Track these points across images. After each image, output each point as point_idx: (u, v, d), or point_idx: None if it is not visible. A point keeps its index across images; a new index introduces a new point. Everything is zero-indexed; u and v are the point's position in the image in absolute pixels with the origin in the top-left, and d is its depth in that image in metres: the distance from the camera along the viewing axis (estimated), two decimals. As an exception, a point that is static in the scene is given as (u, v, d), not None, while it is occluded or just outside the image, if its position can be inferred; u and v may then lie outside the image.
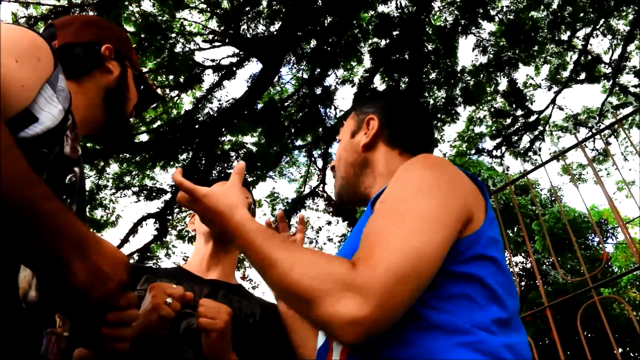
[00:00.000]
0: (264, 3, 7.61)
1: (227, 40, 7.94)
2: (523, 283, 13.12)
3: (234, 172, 1.00)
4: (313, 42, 8.15)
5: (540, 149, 9.76)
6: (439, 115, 8.42)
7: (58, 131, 0.83)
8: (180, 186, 0.92)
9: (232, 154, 8.18)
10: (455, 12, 7.86)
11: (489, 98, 9.64)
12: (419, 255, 0.69)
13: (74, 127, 0.90)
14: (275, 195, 11.15)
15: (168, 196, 8.26)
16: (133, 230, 8.37)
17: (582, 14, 7.93)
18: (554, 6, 7.90)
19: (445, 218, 0.75)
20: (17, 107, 0.74)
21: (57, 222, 0.65)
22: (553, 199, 12.95)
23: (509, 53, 8.10)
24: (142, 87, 1.18)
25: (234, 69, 8.28)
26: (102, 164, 8.38)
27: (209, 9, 8.19)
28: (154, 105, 1.37)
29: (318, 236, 11.69)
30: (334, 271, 0.68)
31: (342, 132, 1.21)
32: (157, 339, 1.13)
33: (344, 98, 14.62)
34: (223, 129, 7.89)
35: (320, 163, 9.79)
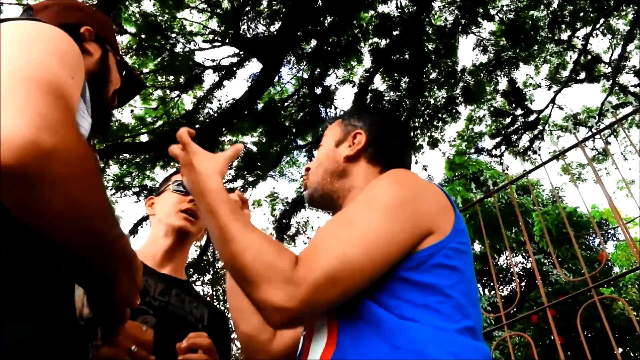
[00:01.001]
0: (264, 3, 7.61)
1: (227, 41, 7.94)
2: (524, 283, 13.13)
3: (232, 149, 1.04)
4: (313, 42, 8.16)
5: (540, 149, 9.77)
6: (439, 115, 8.42)
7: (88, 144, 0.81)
8: (180, 138, 0.98)
9: (233, 154, 8.18)
10: (456, 11, 7.86)
11: (489, 97, 9.64)
12: (352, 264, 0.78)
13: (94, 136, 0.91)
14: (276, 195, 11.14)
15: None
16: (133, 231, 8.38)
17: (582, 14, 7.92)
18: (554, 5, 7.91)
19: (390, 234, 0.81)
20: None
21: (120, 245, 0.69)
22: (554, 199, 12.95)
23: (509, 52, 8.10)
24: (124, 72, 1.12)
25: (234, 69, 8.29)
26: (102, 165, 8.39)
27: (209, 9, 8.20)
28: (137, 94, 1.31)
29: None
30: (279, 265, 0.77)
31: (326, 137, 1.23)
32: None
33: (344, 98, 14.65)
34: (223, 129, 7.89)
35: (320, 163, 9.77)
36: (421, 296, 0.81)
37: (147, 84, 8.58)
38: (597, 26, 8.61)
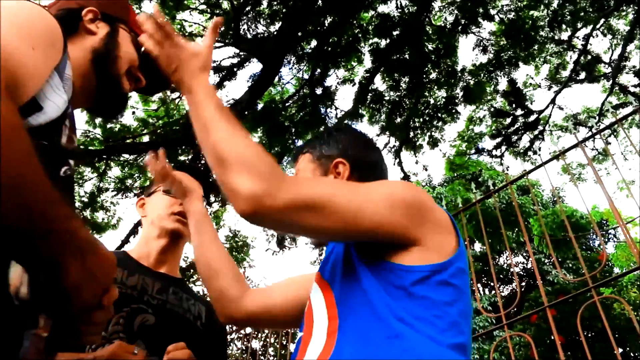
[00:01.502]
0: (264, 3, 7.62)
1: (227, 41, 7.95)
2: (524, 283, 13.13)
3: (211, 28, 1.01)
4: (313, 42, 8.16)
5: (540, 149, 9.77)
6: (439, 115, 8.43)
7: (59, 121, 0.80)
8: (164, 26, 0.94)
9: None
10: (456, 11, 7.87)
11: (489, 97, 9.65)
12: (335, 207, 0.81)
13: (72, 116, 0.87)
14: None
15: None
16: (133, 231, 8.38)
17: (582, 14, 7.93)
18: (554, 5, 7.91)
19: (382, 213, 0.84)
20: (26, 95, 0.71)
21: (64, 228, 0.64)
22: (554, 199, 12.95)
23: (509, 52, 8.10)
24: (142, 49, 1.07)
25: (235, 69, 8.29)
26: (103, 167, 8.40)
27: (209, 9, 8.20)
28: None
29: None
30: (264, 163, 0.80)
31: (301, 174, 1.18)
32: (111, 335, 1.14)
33: (345, 98, 14.67)
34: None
35: (320, 163, 9.78)
36: (421, 309, 0.81)
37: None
38: (597, 26, 8.62)
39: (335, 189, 0.85)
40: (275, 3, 7.54)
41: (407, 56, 7.79)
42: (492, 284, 13.05)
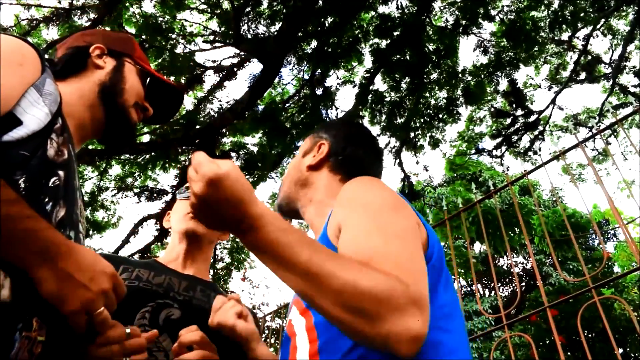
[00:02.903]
0: (265, 3, 7.62)
1: (227, 41, 7.95)
2: (524, 283, 13.12)
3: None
4: (314, 43, 8.16)
5: (540, 149, 9.77)
6: (440, 115, 8.43)
7: (43, 134, 0.82)
8: (195, 157, 0.74)
9: (233, 154, 8.20)
10: (456, 12, 7.87)
11: (490, 98, 9.65)
12: (422, 266, 0.74)
13: (63, 131, 0.89)
14: (277, 196, 11.17)
15: (169, 197, 8.28)
16: (134, 231, 8.38)
17: (582, 14, 7.93)
18: (555, 6, 7.91)
19: (415, 232, 0.81)
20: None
21: (21, 227, 0.63)
22: (555, 199, 12.94)
23: (509, 53, 8.10)
24: (148, 79, 1.16)
25: (235, 69, 8.29)
26: (104, 166, 8.40)
27: (209, 9, 8.21)
28: (177, 101, 1.26)
29: (319, 236, 11.71)
30: (399, 286, 0.65)
31: (298, 151, 1.28)
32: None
33: (345, 98, 14.66)
34: (224, 130, 7.90)
35: (321, 163, 9.77)
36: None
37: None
38: (598, 26, 8.61)
39: (401, 250, 0.74)
40: (275, 3, 7.54)
41: (407, 57, 7.79)
42: (492, 284, 13.05)
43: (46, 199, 0.82)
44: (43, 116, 0.82)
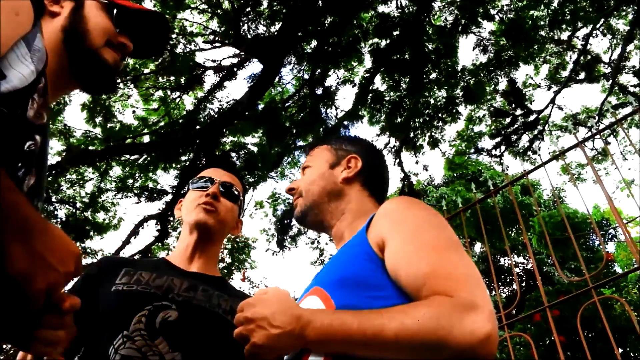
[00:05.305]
0: (265, 3, 7.63)
1: (227, 41, 7.95)
2: (524, 283, 13.12)
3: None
4: (314, 43, 8.17)
5: (539, 149, 9.78)
6: (439, 115, 8.44)
7: (25, 93, 0.77)
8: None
9: (233, 154, 8.21)
10: (456, 11, 7.87)
11: (489, 97, 9.66)
12: (477, 272, 0.85)
13: (45, 92, 0.84)
14: (277, 196, 11.17)
15: (169, 197, 8.28)
16: (134, 232, 8.39)
17: (582, 14, 7.93)
18: (554, 5, 7.91)
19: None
20: None
21: (1, 199, 0.58)
22: (554, 200, 12.95)
23: (509, 52, 8.11)
24: (114, 11, 1.03)
25: (235, 69, 8.30)
26: (104, 167, 8.41)
27: (209, 9, 8.21)
28: (161, 27, 1.13)
29: (319, 236, 11.72)
30: (441, 305, 0.74)
31: (314, 160, 1.26)
32: (132, 333, 1.12)
33: (345, 98, 14.68)
34: (224, 130, 7.91)
35: (320, 163, 9.77)
36: None
37: (148, 85, 8.60)
38: (597, 26, 8.62)
39: (458, 261, 0.85)
40: (275, 3, 7.54)
41: (407, 56, 7.80)
42: (492, 284, 13.04)
43: (19, 164, 0.78)
44: (28, 73, 0.77)
